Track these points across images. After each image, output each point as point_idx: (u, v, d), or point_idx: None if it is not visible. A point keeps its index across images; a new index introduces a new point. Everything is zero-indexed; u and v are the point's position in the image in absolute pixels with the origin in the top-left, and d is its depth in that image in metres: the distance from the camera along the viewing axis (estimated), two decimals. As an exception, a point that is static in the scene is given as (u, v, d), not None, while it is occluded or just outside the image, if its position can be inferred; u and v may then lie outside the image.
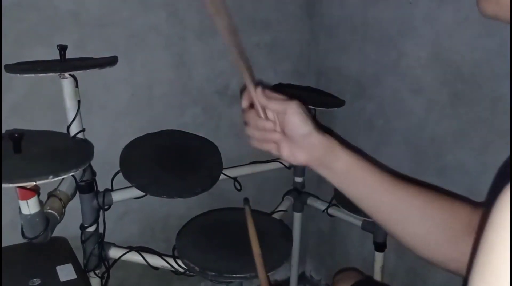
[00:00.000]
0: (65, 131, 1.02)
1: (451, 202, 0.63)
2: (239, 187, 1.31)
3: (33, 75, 0.93)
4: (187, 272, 1.05)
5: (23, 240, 0.95)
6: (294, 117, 0.65)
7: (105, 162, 1.13)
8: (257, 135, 0.70)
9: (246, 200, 0.88)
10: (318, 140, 0.65)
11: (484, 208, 0.61)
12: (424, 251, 0.63)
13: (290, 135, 0.66)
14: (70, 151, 0.94)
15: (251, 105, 0.70)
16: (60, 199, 1.02)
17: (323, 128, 0.68)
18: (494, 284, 0.27)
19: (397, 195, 0.63)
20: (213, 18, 0.63)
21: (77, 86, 1.00)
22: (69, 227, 1.10)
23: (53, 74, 0.94)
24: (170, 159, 1.16)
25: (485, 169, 1.10)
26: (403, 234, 0.64)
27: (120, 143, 1.18)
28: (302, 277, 1.78)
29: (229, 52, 0.66)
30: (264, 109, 0.69)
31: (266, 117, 0.69)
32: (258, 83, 0.69)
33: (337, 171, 0.66)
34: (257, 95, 0.68)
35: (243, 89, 0.71)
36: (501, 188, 0.29)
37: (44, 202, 0.99)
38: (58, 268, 0.96)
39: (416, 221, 0.63)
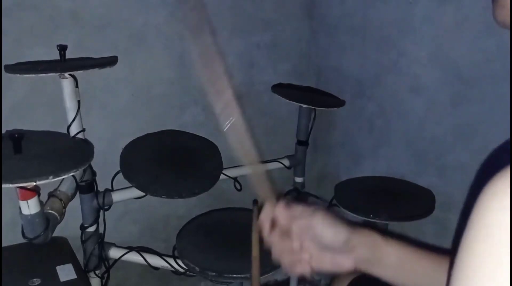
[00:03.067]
0: (65, 131, 1.02)
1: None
2: (239, 187, 1.31)
3: (33, 75, 0.93)
4: (187, 272, 1.05)
5: (23, 240, 0.95)
6: (326, 228, 0.61)
7: (105, 162, 1.13)
8: (286, 258, 0.63)
9: (255, 202, 0.87)
10: (360, 241, 0.61)
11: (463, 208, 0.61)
12: None
13: (327, 246, 0.62)
14: (70, 151, 0.94)
15: (273, 224, 0.64)
16: (60, 199, 1.02)
17: (357, 225, 0.64)
18: (475, 280, 0.28)
19: (436, 274, 0.62)
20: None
21: (77, 86, 1.00)
22: (69, 227, 1.10)
23: (53, 74, 0.94)
24: (170, 159, 1.16)
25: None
26: None
27: (120, 143, 1.17)
28: (302, 277, 1.77)
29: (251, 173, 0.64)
30: (288, 228, 0.63)
31: (289, 236, 0.63)
32: (278, 197, 0.63)
33: (389, 265, 0.62)
34: (280, 213, 0.62)
35: (257, 205, 0.65)
36: (484, 183, 0.30)
37: (44, 202, 0.99)
38: (58, 268, 0.96)
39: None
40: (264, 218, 0.63)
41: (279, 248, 0.64)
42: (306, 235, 0.62)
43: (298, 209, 0.63)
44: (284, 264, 0.64)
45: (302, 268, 0.63)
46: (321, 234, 0.61)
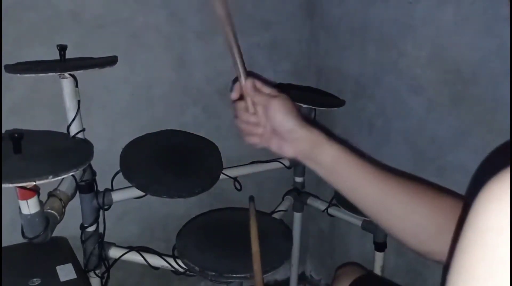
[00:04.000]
0: (65, 131, 1.02)
1: (435, 195, 0.64)
2: (239, 187, 1.31)
3: (33, 75, 0.93)
4: (187, 272, 1.05)
5: (23, 240, 0.95)
6: (277, 112, 0.67)
7: (105, 162, 1.13)
8: (244, 127, 0.72)
9: (251, 198, 0.88)
10: (303, 135, 0.66)
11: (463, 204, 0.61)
12: (410, 242, 0.64)
13: (276, 129, 0.68)
14: (70, 151, 0.94)
15: (241, 98, 0.71)
16: (60, 199, 1.02)
17: (311, 122, 0.69)
18: (470, 283, 0.28)
19: (382, 188, 0.64)
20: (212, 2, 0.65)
21: (77, 86, 1.00)
22: (69, 227, 1.10)
23: (53, 74, 0.94)
24: (170, 159, 1.16)
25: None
26: (390, 226, 0.65)
27: (120, 143, 1.18)
28: (302, 277, 1.78)
29: (224, 37, 0.69)
30: (253, 102, 0.70)
31: (255, 111, 0.70)
32: (249, 75, 0.70)
33: (323, 164, 0.67)
34: (246, 86, 0.69)
35: (235, 80, 0.71)
36: (481, 186, 0.30)
37: (44, 202, 0.99)
38: (58, 268, 0.96)
39: (401, 214, 0.63)
40: (235, 89, 0.71)
41: (240, 117, 0.71)
42: (264, 113, 0.68)
43: (264, 87, 0.70)
44: (241, 131, 0.72)
45: (254, 140, 0.71)
46: (272, 116, 0.67)
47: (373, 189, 0.64)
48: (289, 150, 0.68)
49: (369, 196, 0.65)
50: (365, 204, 0.67)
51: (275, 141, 0.69)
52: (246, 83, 0.69)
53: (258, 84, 0.70)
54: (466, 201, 0.59)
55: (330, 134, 0.68)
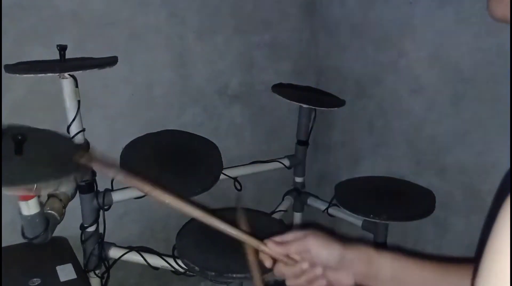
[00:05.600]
0: (65, 131, 1.02)
1: (464, 272, 0.64)
2: (239, 187, 1.31)
3: (33, 75, 0.93)
4: (187, 272, 1.05)
5: (23, 240, 0.95)
6: (319, 248, 0.64)
7: (105, 162, 1.13)
8: (301, 282, 0.66)
9: (238, 204, 0.87)
10: (354, 257, 0.64)
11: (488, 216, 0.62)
12: None
13: (325, 265, 0.64)
14: (71, 154, 0.93)
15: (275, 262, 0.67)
16: (60, 200, 1.02)
17: (348, 240, 0.66)
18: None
19: (437, 282, 0.64)
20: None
21: (77, 86, 1.00)
22: (69, 227, 1.10)
23: (53, 74, 0.94)
24: (170, 159, 1.16)
25: (485, 169, 1.10)
26: None
27: (120, 143, 1.17)
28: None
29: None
30: (289, 258, 0.65)
31: (295, 261, 0.65)
32: (262, 240, 0.67)
33: (384, 278, 0.65)
34: (272, 250, 0.65)
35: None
36: (506, 193, 0.30)
37: (44, 202, 0.99)
38: (58, 268, 0.96)
39: None
40: (266, 258, 0.65)
41: (291, 276, 0.66)
42: (305, 258, 0.64)
43: (289, 236, 0.66)
44: None
45: (320, 283, 0.65)
46: (316, 255, 0.63)
47: (438, 283, 0.64)
48: (347, 278, 0.65)
49: None
50: None
51: (330, 276, 0.65)
52: (269, 246, 0.65)
53: (279, 239, 0.66)
54: (493, 206, 0.59)
55: (377, 244, 0.67)
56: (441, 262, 0.65)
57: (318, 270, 0.64)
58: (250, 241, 0.65)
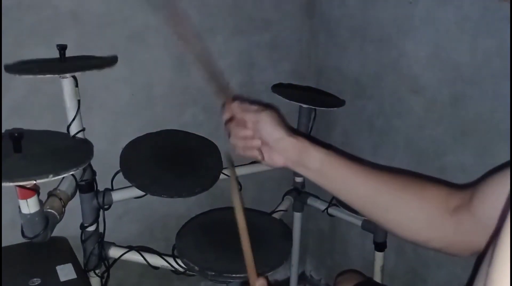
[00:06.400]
0: (65, 130, 1.02)
1: (424, 188, 0.68)
2: (239, 187, 1.31)
3: (33, 75, 0.93)
4: (187, 271, 1.05)
5: (23, 240, 0.95)
6: (266, 125, 0.72)
7: (105, 162, 1.13)
8: (239, 143, 0.76)
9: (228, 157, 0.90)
10: (290, 143, 0.71)
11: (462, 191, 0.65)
12: (406, 235, 0.68)
13: (266, 141, 0.73)
14: (70, 150, 0.94)
15: (231, 119, 0.78)
16: (60, 199, 1.02)
17: (297, 132, 0.74)
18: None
19: (371, 186, 0.69)
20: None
21: (77, 85, 1.00)
22: (69, 227, 1.10)
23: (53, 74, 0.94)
24: (170, 159, 1.16)
25: (485, 169, 1.09)
26: (384, 222, 0.69)
27: (120, 143, 1.18)
28: (302, 277, 1.78)
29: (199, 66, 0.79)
30: (243, 120, 0.75)
31: (246, 127, 0.75)
32: (235, 97, 0.78)
33: (312, 169, 0.71)
34: (234, 108, 0.76)
35: (223, 103, 0.79)
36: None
37: (44, 201, 0.99)
38: (58, 268, 0.96)
39: (392, 208, 0.68)
40: (225, 111, 0.77)
41: (234, 135, 0.76)
42: (254, 127, 0.74)
43: (251, 105, 0.76)
44: (239, 148, 0.76)
45: (253, 153, 0.75)
46: (262, 127, 0.72)
47: (361, 187, 0.69)
48: (278, 159, 0.73)
49: (360, 194, 0.70)
50: (358, 203, 0.71)
51: (266, 152, 0.75)
52: (233, 104, 0.76)
53: (244, 104, 0.77)
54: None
55: (316, 141, 0.73)
56: (390, 174, 0.69)
57: (257, 142, 0.74)
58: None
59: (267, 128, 0.72)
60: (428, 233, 0.66)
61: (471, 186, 0.65)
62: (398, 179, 0.69)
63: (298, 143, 0.71)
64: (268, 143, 0.73)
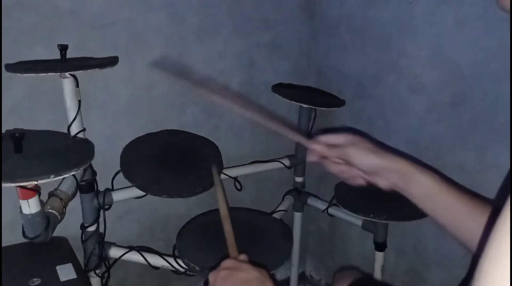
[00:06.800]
0: (65, 130, 1.02)
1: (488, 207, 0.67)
2: (239, 187, 1.31)
3: (33, 74, 0.93)
4: (188, 271, 1.05)
5: (23, 240, 0.95)
6: (355, 158, 0.71)
7: (106, 162, 1.13)
8: (341, 175, 0.75)
9: (215, 166, 0.92)
10: (390, 170, 0.69)
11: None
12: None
13: (364, 171, 0.72)
14: (71, 151, 0.94)
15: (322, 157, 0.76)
16: (61, 199, 1.02)
17: (396, 154, 0.72)
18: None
19: (467, 212, 0.66)
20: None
21: (77, 86, 1.00)
22: (69, 227, 1.10)
23: (54, 73, 0.94)
24: (170, 159, 1.16)
25: (485, 169, 1.10)
26: (464, 239, 0.68)
27: (120, 143, 1.18)
28: (302, 276, 1.78)
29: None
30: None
31: (338, 163, 0.74)
32: (311, 136, 0.77)
33: (417, 195, 0.69)
34: (318, 149, 0.74)
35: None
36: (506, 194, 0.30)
37: (44, 201, 0.99)
38: (58, 268, 0.96)
39: (475, 231, 0.65)
40: (311, 154, 0.76)
41: (334, 170, 0.75)
42: (347, 163, 0.72)
43: (333, 139, 0.74)
44: (344, 179, 0.76)
45: (358, 180, 0.74)
46: (353, 162, 0.70)
47: (461, 214, 0.67)
48: (384, 183, 0.71)
49: (457, 220, 0.67)
50: (449, 225, 0.69)
51: (371, 178, 0.72)
52: (315, 145, 0.74)
53: (324, 138, 0.75)
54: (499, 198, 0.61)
55: (418, 162, 0.70)
56: (472, 196, 0.68)
57: (355, 172, 0.72)
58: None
59: (359, 160, 0.70)
60: None
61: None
62: (486, 207, 0.67)
63: (400, 168, 0.69)
64: (366, 172, 0.72)
